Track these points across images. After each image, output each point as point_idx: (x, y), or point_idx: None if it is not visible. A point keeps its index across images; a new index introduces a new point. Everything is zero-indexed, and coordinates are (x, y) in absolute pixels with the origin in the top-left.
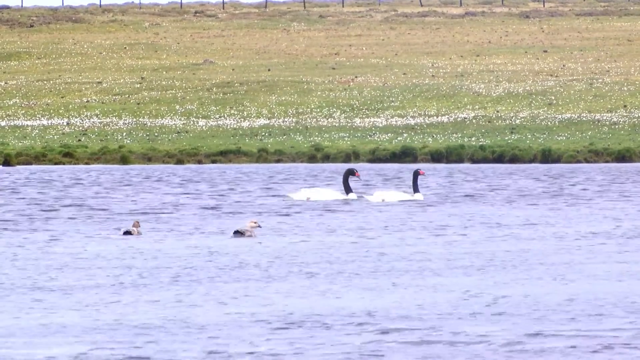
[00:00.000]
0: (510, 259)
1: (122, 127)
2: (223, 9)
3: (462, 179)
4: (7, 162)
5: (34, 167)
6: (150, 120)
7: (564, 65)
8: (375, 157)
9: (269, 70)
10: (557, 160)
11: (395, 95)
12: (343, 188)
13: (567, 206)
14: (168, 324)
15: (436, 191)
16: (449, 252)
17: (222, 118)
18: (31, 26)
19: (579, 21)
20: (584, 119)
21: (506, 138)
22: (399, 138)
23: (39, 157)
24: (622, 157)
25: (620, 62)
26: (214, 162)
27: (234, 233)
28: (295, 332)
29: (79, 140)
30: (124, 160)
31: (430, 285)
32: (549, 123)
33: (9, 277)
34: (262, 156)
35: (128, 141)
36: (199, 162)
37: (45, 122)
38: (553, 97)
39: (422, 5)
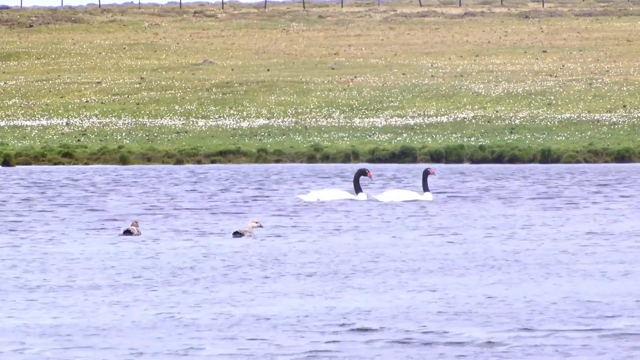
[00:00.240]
0: (512, 259)
1: (121, 127)
2: (222, 9)
3: (463, 179)
4: (6, 163)
5: (33, 167)
6: (150, 120)
7: (563, 66)
8: (375, 157)
9: (268, 70)
10: (556, 160)
11: (395, 96)
12: (353, 188)
13: (567, 207)
14: (163, 324)
15: (436, 191)
16: (449, 253)
17: (222, 118)
18: (30, 26)
19: (579, 21)
20: (584, 119)
21: (505, 138)
22: (398, 138)
23: (39, 158)
24: (622, 157)
25: (620, 62)
26: (213, 162)
27: (233, 234)
28: (292, 332)
29: (79, 140)
30: (124, 161)
31: (427, 285)
32: (548, 123)
33: (9, 277)
34: (261, 156)
35: (127, 141)
36: (199, 162)
37: (44, 122)
38: (552, 97)
39: (421, 6)
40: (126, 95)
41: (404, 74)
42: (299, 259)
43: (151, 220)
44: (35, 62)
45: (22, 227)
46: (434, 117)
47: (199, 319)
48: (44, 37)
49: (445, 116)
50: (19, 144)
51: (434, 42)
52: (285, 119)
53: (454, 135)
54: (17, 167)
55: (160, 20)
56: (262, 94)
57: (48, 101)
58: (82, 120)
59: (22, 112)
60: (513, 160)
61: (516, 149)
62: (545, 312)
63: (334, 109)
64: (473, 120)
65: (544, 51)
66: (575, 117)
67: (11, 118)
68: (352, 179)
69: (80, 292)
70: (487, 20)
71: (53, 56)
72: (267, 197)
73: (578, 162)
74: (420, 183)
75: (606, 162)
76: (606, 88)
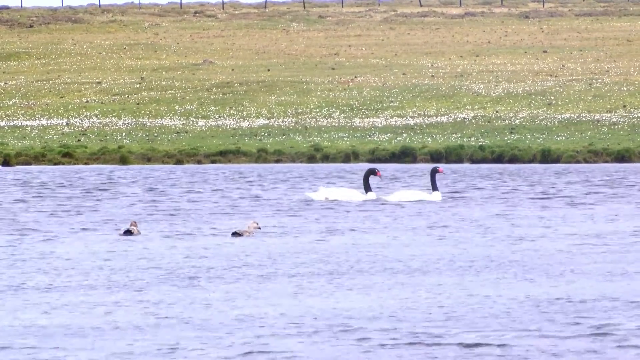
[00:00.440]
0: (511, 260)
1: (121, 127)
2: (222, 9)
3: (464, 179)
4: (6, 162)
5: (33, 167)
6: (150, 120)
7: (563, 66)
8: (375, 157)
9: (268, 70)
10: (556, 160)
11: (395, 96)
12: (363, 187)
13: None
14: (162, 323)
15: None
16: (448, 253)
17: (222, 118)
18: (30, 26)
19: (579, 21)
20: (584, 119)
21: (505, 138)
22: (398, 138)
23: (39, 158)
24: (622, 157)
25: (620, 62)
26: (213, 162)
27: (232, 234)
28: (290, 332)
29: (79, 140)
30: (124, 161)
31: (426, 285)
32: (548, 123)
33: (7, 277)
34: (261, 156)
35: (127, 141)
36: (199, 162)
37: (44, 122)
38: (552, 97)
39: (421, 6)
40: (126, 95)
41: (404, 74)
42: (300, 258)
43: (151, 220)
44: (36, 62)
45: (21, 227)
46: (434, 117)
47: (199, 318)
48: (44, 37)
49: (445, 116)
50: (19, 144)
51: (434, 42)
52: (285, 119)
53: (454, 135)
54: (17, 167)
55: (160, 21)
56: (262, 94)
57: (48, 101)
58: (82, 120)
59: (22, 112)
60: (513, 160)
61: (516, 149)
62: (545, 312)
63: (334, 109)
64: (473, 121)
65: (544, 51)
66: (576, 117)
67: (11, 118)
68: (362, 178)
69: (79, 292)
70: (487, 20)
71: (53, 56)
72: (266, 197)
73: (578, 162)
74: (416, 182)
75: (606, 162)
76: (606, 88)
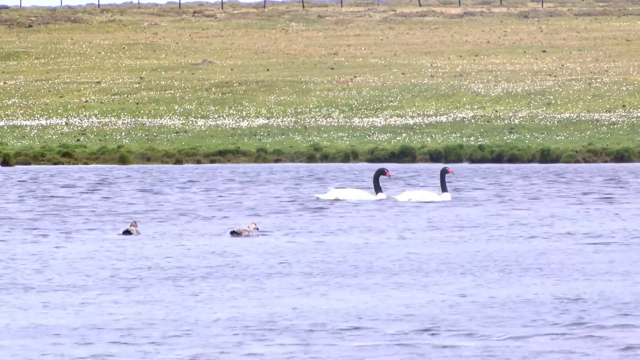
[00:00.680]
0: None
1: (120, 127)
2: (222, 8)
3: (468, 179)
4: (5, 162)
5: (32, 167)
6: (149, 120)
7: (562, 65)
8: (374, 157)
9: (267, 70)
10: (555, 160)
11: (394, 95)
12: (373, 187)
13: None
14: (162, 323)
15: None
16: (448, 253)
17: (221, 118)
18: (30, 26)
19: (578, 21)
20: (583, 118)
21: (505, 138)
22: (397, 138)
23: (38, 157)
24: (621, 157)
25: (619, 62)
26: (212, 162)
27: (230, 233)
28: (289, 332)
29: (78, 140)
30: (123, 160)
31: (426, 286)
32: (547, 123)
33: (6, 276)
34: (260, 156)
35: (127, 141)
36: (198, 162)
37: (44, 122)
38: (552, 97)
39: (420, 5)
40: (125, 95)
41: (403, 73)
42: (298, 259)
43: (150, 220)
44: (35, 62)
45: (21, 227)
46: (434, 117)
47: (198, 318)
48: (43, 37)
49: (445, 116)
50: (19, 144)
51: (433, 42)
52: (284, 119)
53: (453, 135)
54: (17, 166)
55: (159, 20)
56: (261, 93)
57: (47, 101)
58: (81, 120)
59: (22, 111)
60: (512, 160)
61: (515, 149)
62: (546, 313)
63: (333, 109)
64: (472, 120)
65: (544, 51)
66: (575, 116)
67: (10, 118)
68: (372, 179)
69: (77, 291)
70: (487, 20)
71: (52, 56)
72: (266, 197)
73: (577, 161)
74: (415, 182)
75: (605, 161)
76: (605, 88)
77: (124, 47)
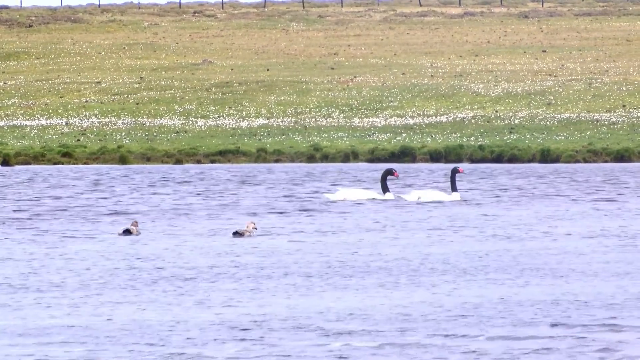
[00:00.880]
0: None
1: (121, 127)
2: (222, 9)
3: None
4: (5, 162)
5: (32, 167)
6: (149, 120)
7: (562, 65)
8: (374, 157)
9: (267, 70)
10: (555, 160)
11: (394, 95)
12: (380, 187)
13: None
14: (161, 323)
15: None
16: (447, 253)
17: (221, 118)
18: (30, 26)
19: (578, 21)
20: (583, 118)
21: (505, 138)
22: (397, 138)
23: (38, 157)
24: (621, 157)
25: (619, 62)
26: (212, 162)
27: (233, 234)
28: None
29: (78, 140)
30: (123, 160)
31: (425, 286)
32: (547, 123)
33: (5, 276)
34: (261, 156)
35: (127, 141)
36: (198, 162)
37: (44, 122)
38: (552, 97)
39: (421, 5)
40: (125, 95)
41: (403, 73)
42: (298, 259)
43: (150, 219)
44: (35, 62)
45: (20, 226)
46: (434, 117)
47: (197, 318)
48: (44, 37)
49: (445, 116)
50: (19, 144)
51: (433, 42)
52: (284, 119)
53: (453, 135)
54: (17, 166)
55: (159, 20)
56: (261, 93)
57: (47, 101)
58: (81, 120)
59: (22, 112)
60: (512, 160)
61: (515, 149)
62: (545, 313)
63: (333, 109)
64: (472, 120)
65: (544, 51)
66: (575, 116)
67: (11, 118)
68: (380, 179)
69: (77, 291)
70: (487, 20)
71: (52, 56)
72: (267, 196)
73: (577, 161)
74: (412, 182)
75: (605, 161)
76: (605, 88)
77: (124, 47)
